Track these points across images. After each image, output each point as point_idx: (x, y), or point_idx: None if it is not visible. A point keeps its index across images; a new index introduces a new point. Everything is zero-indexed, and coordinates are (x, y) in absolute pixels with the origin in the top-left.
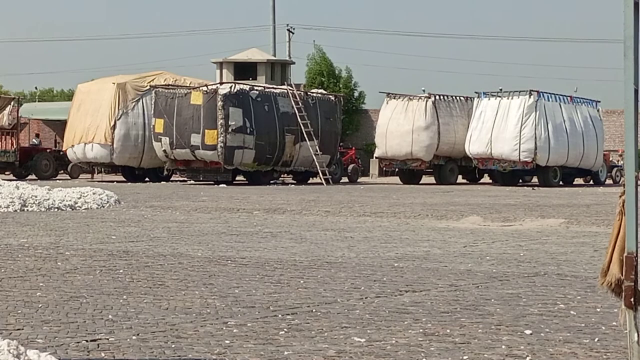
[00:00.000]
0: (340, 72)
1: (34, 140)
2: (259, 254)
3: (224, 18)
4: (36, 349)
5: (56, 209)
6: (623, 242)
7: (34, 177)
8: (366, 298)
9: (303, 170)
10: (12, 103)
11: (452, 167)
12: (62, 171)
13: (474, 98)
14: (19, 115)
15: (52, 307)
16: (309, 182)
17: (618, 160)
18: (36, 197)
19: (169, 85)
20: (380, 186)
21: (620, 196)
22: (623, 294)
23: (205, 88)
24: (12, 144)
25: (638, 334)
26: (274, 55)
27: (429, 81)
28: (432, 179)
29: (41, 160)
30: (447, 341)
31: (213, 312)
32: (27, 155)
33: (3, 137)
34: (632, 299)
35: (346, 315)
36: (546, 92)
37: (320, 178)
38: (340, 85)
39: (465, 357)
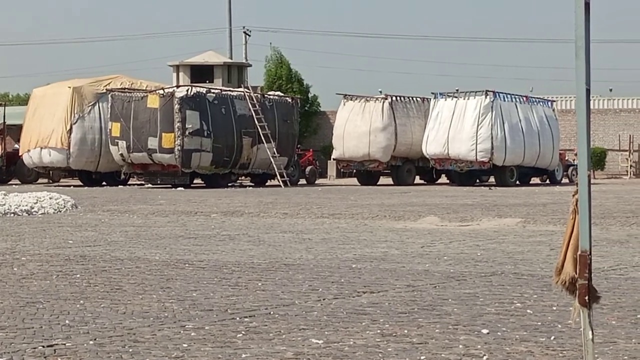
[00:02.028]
0: (297, 73)
1: (16, 145)
2: (216, 256)
3: (180, 21)
4: None
5: (12, 214)
6: (577, 240)
7: (16, 181)
8: (324, 300)
9: (261, 172)
10: None
11: (409, 167)
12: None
13: (430, 99)
14: (5, 120)
15: (8, 312)
16: (266, 184)
17: (574, 160)
18: None
19: (125, 88)
20: (338, 187)
21: (574, 195)
22: (577, 292)
23: (161, 91)
24: None
25: (592, 332)
26: (231, 58)
27: (386, 82)
28: (389, 180)
29: (23, 165)
30: (405, 341)
31: (171, 316)
32: (10, 160)
33: None
34: (586, 297)
35: (304, 317)
36: (502, 92)
37: (278, 180)
38: (297, 88)
39: (422, 357)
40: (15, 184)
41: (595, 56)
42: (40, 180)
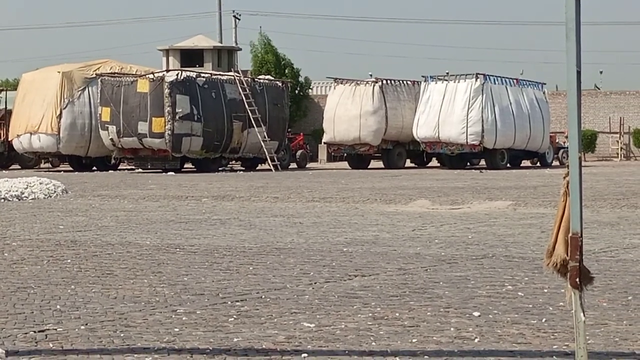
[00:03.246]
0: (284, 57)
1: None
2: (207, 241)
3: (169, 5)
4: None
5: (2, 200)
6: (568, 222)
7: (17, 166)
8: (315, 283)
9: (251, 156)
10: None
11: (400, 151)
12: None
13: (421, 82)
14: (6, 106)
15: None
16: (257, 168)
17: (564, 142)
18: None
19: (115, 73)
20: (328, 171)
21: (565, 177)
22: (568, 274)
23: (151, 76)
24: (0, 135)
25: (584, 314)
26: (221, 42)
27: (376, 66)
28: (380, 164)
29: None
30: (396, 325)
31: (162, 301)
32: (11, 146)
33: None
34: (577, 279)
35: (295, 300)
36: (492, 75)
37: (269, 164)
38: (287, 72)
39: (414, 340)
40: (16, 169)
41: (586, 38)
42: (42, 166)
